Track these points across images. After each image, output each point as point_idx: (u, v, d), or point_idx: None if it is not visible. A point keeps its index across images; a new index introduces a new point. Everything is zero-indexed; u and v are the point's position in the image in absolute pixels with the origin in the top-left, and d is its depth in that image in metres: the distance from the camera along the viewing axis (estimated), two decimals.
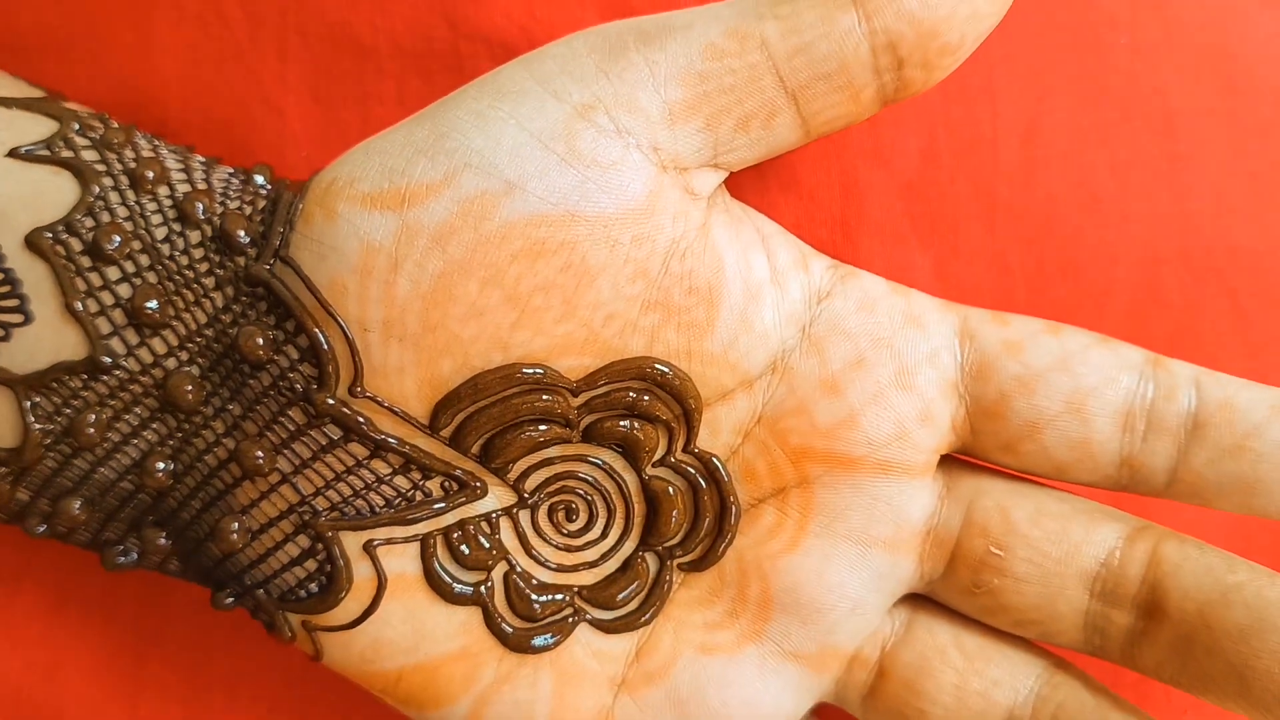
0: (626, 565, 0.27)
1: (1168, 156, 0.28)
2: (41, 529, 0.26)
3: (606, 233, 0.24)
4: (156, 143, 0.27)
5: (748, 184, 0.28)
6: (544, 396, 0.25)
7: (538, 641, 0.26)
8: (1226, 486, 0.25)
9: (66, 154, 0.25)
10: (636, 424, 0.26)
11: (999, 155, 0.28)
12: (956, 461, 0.27)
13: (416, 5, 0.28)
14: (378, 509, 0.25)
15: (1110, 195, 0.28)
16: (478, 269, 0.23)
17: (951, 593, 0.27)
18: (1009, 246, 0.28)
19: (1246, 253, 0.29)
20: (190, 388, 0.25)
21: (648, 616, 0.27)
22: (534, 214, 0.23)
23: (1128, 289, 0.29)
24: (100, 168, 0.25)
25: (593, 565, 0.27)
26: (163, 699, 0.31)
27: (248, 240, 0.25)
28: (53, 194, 0.25)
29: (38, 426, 0.25)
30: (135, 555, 0.27)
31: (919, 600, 0.28)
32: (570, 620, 0.26)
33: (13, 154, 0.25)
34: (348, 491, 0.25)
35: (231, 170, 0.27)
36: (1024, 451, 0.26)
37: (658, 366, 0.25)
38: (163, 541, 0.26)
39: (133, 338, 0.25)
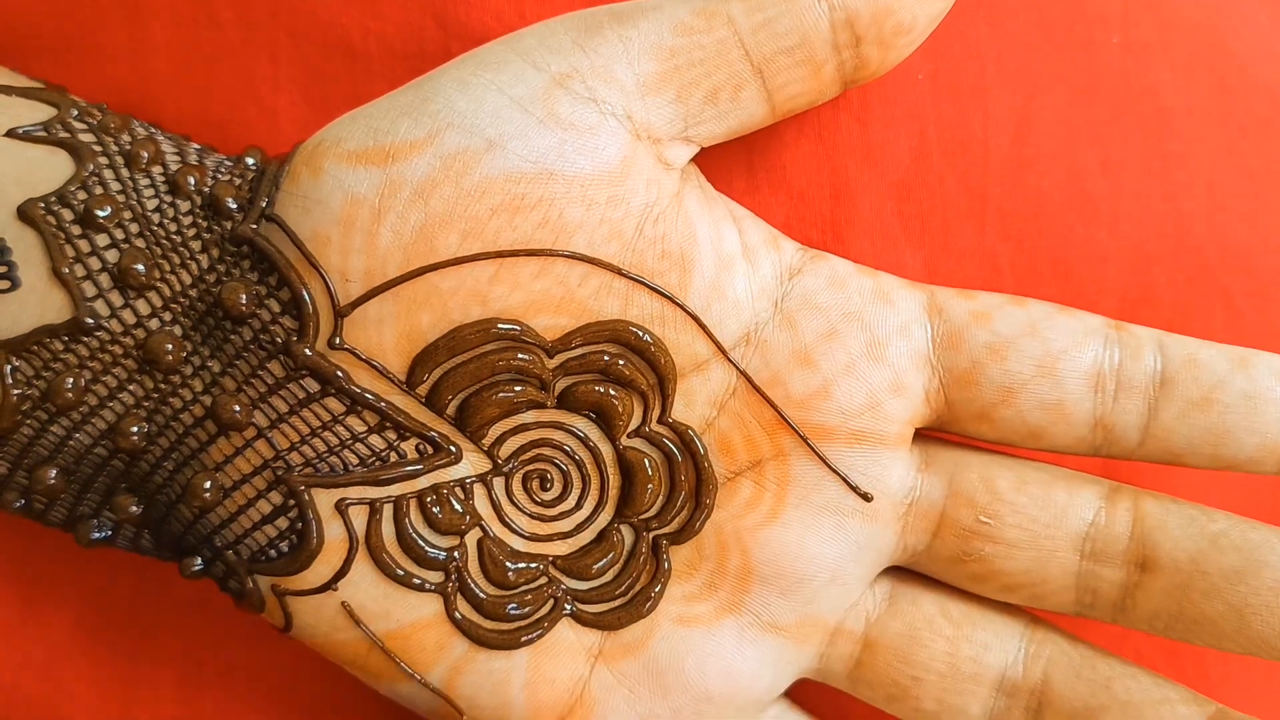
0: (601, 536, 0.27)
1: (1160, 155, 0.29)
2: (19, 504, 0.26)
3: (583, 192, 0.25)
4: (153, 129, 0.28)
5: (739, 184, 0.28)
6: (520, 355, 0.25)
7: (512, 609, 0.26)
8: (1196, 439, 0.25)
9: (64, 135, 0.26)
10: (611, 390, 0.26)
11: (990, 154, 0.28)
12: (934, 440, 0.28)
13: (407, 7, 0.29)
14: (352, 467, 0.25)
15: (1102, 194, 0.29)
16: (458, 221, 0.24)
17: (937, 563, 0.27)
18: (1000, 246, 0.29)
19: (1239, 252, 0.29)
20: (170, 346, 0.25)
21: (623, 588, 0.26)
22: (513, 171, 0.24)
23: (1119, 288, 0.29)
24: (97, 148, 0.26)
25: (567, 536, 0.27)
26: (158, 696, 0.31)
27: (236, 207, 0.25)
28: (48, 171, 0.25)
29: (15, 391, 0.25)
30: (109, 530, 0.26)
31: (899, 573, 0.28)
32: (545, 589, 0.26)
33: (10, 134, 0.26)
34: (322, 448, 0.25)
35: (224, 156, 0.28)
36: (1000, 418, 0.26)
37: (633, 329, 0.25)
38: (134, 509, 0.26)
39: (117, 300, 0.25)
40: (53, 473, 0.26)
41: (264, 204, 0.25)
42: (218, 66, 0.30)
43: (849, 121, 0.29)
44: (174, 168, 0.26)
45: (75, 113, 0.27)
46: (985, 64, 0.28)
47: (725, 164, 0.28)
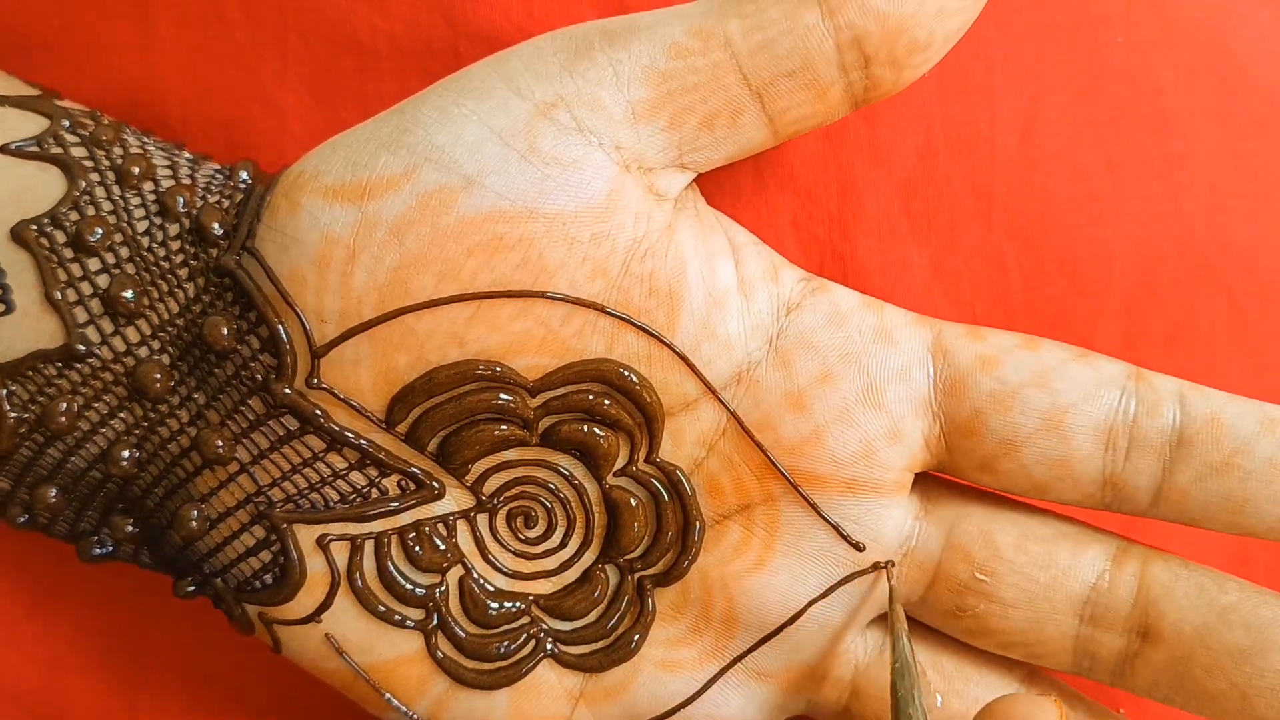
0: (586, 576, 0.26)
1: (1164, 155, 0.28)
2: (23, 519, 0.27)
3: (565, 230, 0.24)
4: (145, 139, 0.27)
5: (746, 183, 0.28)
6: (501, 395, 0.24)
7: (493, 649, 0.26)
8: (1214, 505, 0.24)
9: (56, 150, 0.26)
10: (597, 429, 0.25)
11: (996, 154, 0.28)
12: (936, 483, 0.27)
13: (416, 5, 0.28)
14: (333, 504, 0.25)
15: (1106, 193, 0.28)
16: (434, 263, 0.23)
17: (932, 614, 0.26)
18: (1005, 245, 0.28)
19: (1243, 251, 0.28)
20: (159, 375, 0.25)
21: (606, 630, 0.26)
22: (491, 209, 0.23)
23: (1124, 287, 0.28)
24: (88, 164, 0.26)
25: (551, 574, 0.26)
26: (162, 694, 0.32)
27: (221, 233, 0.25)
28: (40, 189, 0.25)
29: (13, 415, 0.25)
30: (110, 546, 0.27)
31: None
32: (526, 629, 0.26)
33: (2, 150, 0.26)
34: (304, 484, 0.25)
35: (218, 167, 0.27)
36: (1002, 470, 0.25)
37: (619, 369, 0.25)
38: (130, 529, 0.26)
39: (108, 326, 0.25)
40: (53, 491, 0.26)
41: (246, 235, 0.25)
42: (225, 64, 0.30)
43: (856, 120, 0.28)
44: (165, 185, 0.26)
45: (67, 124, 0.26)
46: (991, 64, 0.28)
47: (732, 164, 0.27)
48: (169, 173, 0.26)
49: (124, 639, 0.31)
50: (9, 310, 0.25)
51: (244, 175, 0.27)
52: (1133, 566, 0.25)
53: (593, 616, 0.26)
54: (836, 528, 0.25)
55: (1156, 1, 0.28)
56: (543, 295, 0.24)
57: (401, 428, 0.25)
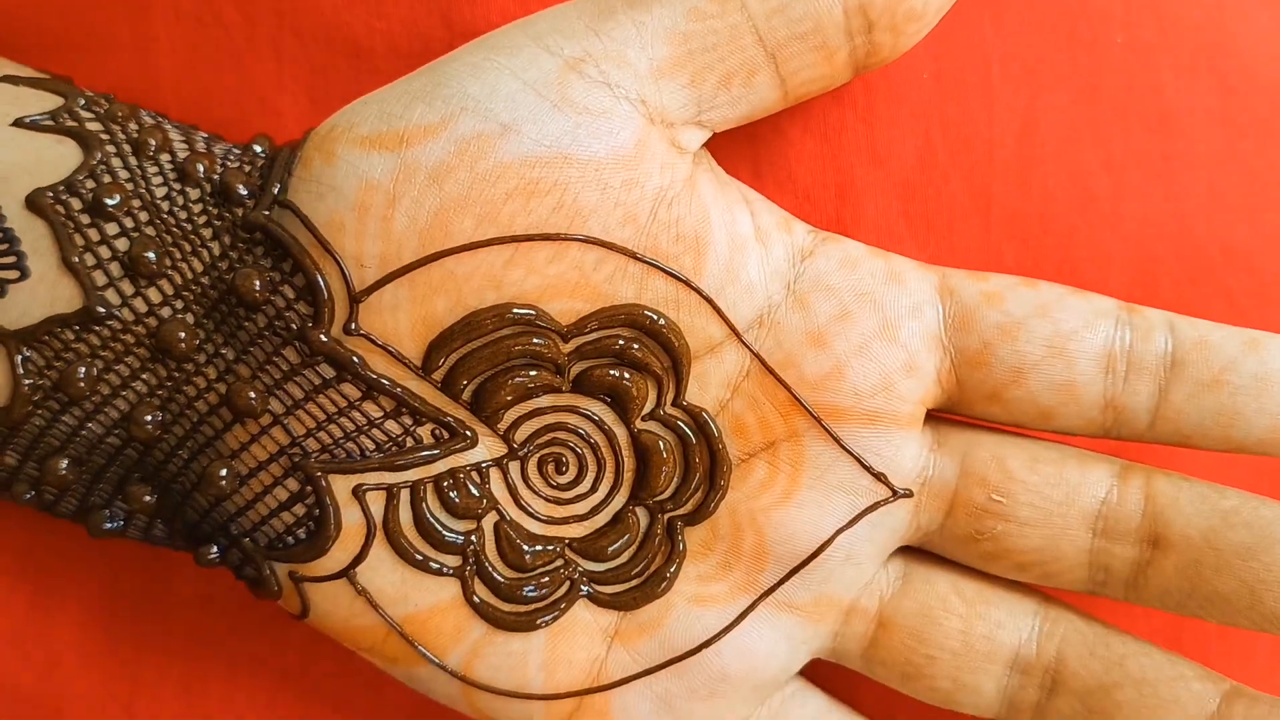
0: (617, 518, 0.27)
1: (1163, 155, 0.29)
2: (29, 495, 0.26)
3: (597, 176, 0.25)
4: (160, 118, 0.28)
5: (744, 184, 0.28)
6: (535, 339, 0.25)
7: (529, 592, 0.26)
8: (1206, 421, 0.25)
9: (71, 124, 0.26)
10: (626, 373, 0.26)
11: (994, 155, 0.29)
12: (944, 421, 0.28)
13: (413, 5, 0.29)
14: (368, 453, 0.25)
15: (1106, 194, 0.29)
16: (473, 206, 0.24)
17: (950, 542, 0.27)
18: (1004, 246, 0.29)
19: (1242, 252, 0.29)
20: (183, 334, 0.25)
21: (639, 569, 0.26)
22: (528, 155, 0.24)
23: (1123, 288, 0.29)
24: (104, 136, 0.26)
25: (583, 518, 0.27)
26: (160, 695, 0.31)
27: (246, 193, 0.25)
28: (56, 160, 0.25)
29: (27, 382, 0.25)
30: (121, 520, 0.26)
31: (912, 552, 0.28)
32: (561, 571, 0.26)
33: (18, 123, 0.26)
34: (338, 434, 0.25)
35: (232, 144, 0.28)
36: (1010, 398, 0.26)
37: (647, 313, 0.25)
38: (148, 498, 0.26)
39: (128, 288, 0.25)
40: (64, 463, 0.26)
41: (276, 190, 0.25)
42: (222, 65, 0.30)
43: (854, 121, 0.29)
44: (182, 155, 0.26)
45: (82, 102, 0.26)
46: (990, 64, 0.29)
47: (731, 163, 0.28)
48: (185, 146, 0.26)
49: (123, 638, 0.31)
50: (24, 276, 0.25)
51: (259, 149, 0.27)
52: (1138, 481, 0.26)
53: (625, 557, 0.27)
54: (859, 459, 0.26)
55: (1155, 1, 0.29)
56: (578, 239, 0.25)
57: (438, 374, 0.25)
